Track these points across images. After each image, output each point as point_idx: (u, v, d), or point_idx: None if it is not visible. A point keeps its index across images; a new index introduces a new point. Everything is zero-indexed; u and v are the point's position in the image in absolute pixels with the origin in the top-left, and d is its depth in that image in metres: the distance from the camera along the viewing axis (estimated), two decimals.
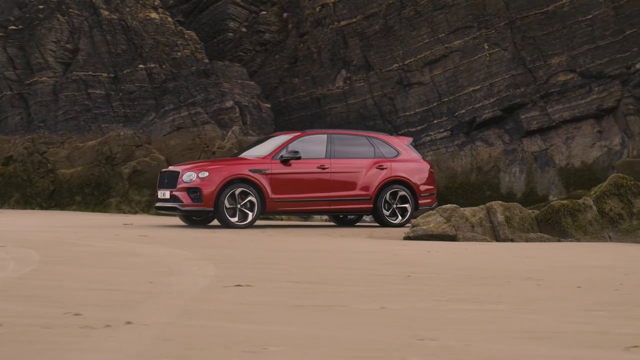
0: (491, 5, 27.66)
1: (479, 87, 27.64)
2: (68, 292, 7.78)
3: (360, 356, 5.21)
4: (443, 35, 28.29)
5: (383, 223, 19.44)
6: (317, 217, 23.05)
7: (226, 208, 17.94)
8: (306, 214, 20.09)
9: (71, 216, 23.98)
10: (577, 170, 26.25)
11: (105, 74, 28.81)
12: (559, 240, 15.54)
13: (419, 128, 28.26)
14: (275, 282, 8.88)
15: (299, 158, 18.75)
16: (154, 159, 27.38)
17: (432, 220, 15.54)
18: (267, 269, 10.24)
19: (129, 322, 6.23)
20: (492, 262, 11.52)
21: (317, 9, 30.51)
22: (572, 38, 26.62)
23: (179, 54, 28.91)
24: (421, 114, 28.42)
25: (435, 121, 28.15)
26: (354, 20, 29.73)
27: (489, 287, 8.79)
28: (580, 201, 16.11)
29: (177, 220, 21.23)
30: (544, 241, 15.41)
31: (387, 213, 19.40)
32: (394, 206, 19.47)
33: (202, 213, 18.73)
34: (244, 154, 19.85)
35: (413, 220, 16.07)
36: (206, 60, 29.15)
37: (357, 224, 21.32)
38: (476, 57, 27.77)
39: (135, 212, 26.90)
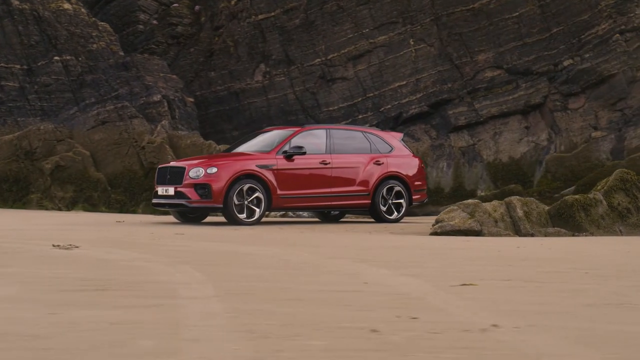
0: (416, 1, 27.92)
1: (405, 82, 27.85)
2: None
3: None
4: (367, 30, 28.36)
5: (380, 219, 19.29)
6: (290, 213, 22.68)
7: (234, 204, 17.38)
8: (310, 210, 19.73)
9: (29, 214, 22.85)
10: (505, 165, 26.80)
11: (18, 66, 27.52)
12: (574, 235, 15.74)
13: (343, 123, 28.23)
14: (491, 281, 8.70)
15: (304, 153, 18.39)
16: (77, 154, 26.33)
17: (456, 216, 15.50)
18: (442, 267, 10.01)
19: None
20: (618, 258, 11.54)
21: (233, 2, 30.07)
22: (498, 35, 27.16)
23: (95, 46, 27.92)
24: (345, 109, 28.41)
25: (360, 116, 28.19)
26: (273, 14, 29.44)
27: None
28: (591, 196, 16.39)
29: (170, 217, 20.59)
30: (562, 235, 15.59)
31: (384, 209, 19.30)
32: (390, 202, 19.38)
33: (210, 210, 18.06)
34: (240, 150, 19.30)
35: (438, 216, 16.00)
36: (122, 53, 28.27)
37: (341, 219, 21.16)
38: (402, 53, 27.96)
39: (59, 209, 25.81)
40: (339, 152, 18.94)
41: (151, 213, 24.27)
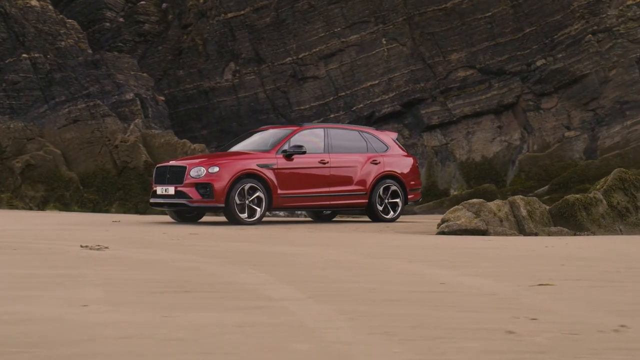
0: (388, 0, 27.92)
1: (377, 81, 27.84)
2: None
3: None
4: (339, 29, 28.31)
5: (376, 218, 19.21)
6: (281, 213, 22.50)
7: (236, 204, 17.18)
8: (309, 209, 19.58)
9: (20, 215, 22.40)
10: (478, 164, 26.92)
11: None
12: (575, 234, 15.81)
13: (315, 122, 28.14)
14: (565, 282, 8.66)
15: (304, 153, 18.25)
16: (48, 152, 25.91)
17: (462, 215, 15.47)
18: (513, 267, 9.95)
19: None
20: None
21: (201, 0, 29.82)
22: (471, 35, 27.28)
23: (63, 43, 27.49)
24: (317, 108, 28.33)
25: (332, 115, 28.13)
26: (242, 12, 29.26)
27: None
28: (591, 195, 16.47)
29: (164, 217, 20.27)
30: (564, 235, 15.64)
31: (381, 208, 19.24)
32: (386, 201, 19.32)
33: (212, 210, 17.84)
34: (235, 149, 19.09)
35: (443, 216, 15.96)
36: (90, 51, 27.88)
37: (334, 219, 21.05)
38: (374, 52, 27.96)
39: (30, 208, 25.38)
40: (336, 152, 18.84)
41: (135, 213, 23.97)
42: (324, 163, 18.52)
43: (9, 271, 8.50)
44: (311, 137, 18.62)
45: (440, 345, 5.15)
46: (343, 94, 28.12)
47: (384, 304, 6.70)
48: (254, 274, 8.56)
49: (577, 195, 16.50)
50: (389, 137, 20.12)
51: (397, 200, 19.38)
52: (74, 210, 25.14)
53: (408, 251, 11.44)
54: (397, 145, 20.07)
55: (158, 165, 18.24)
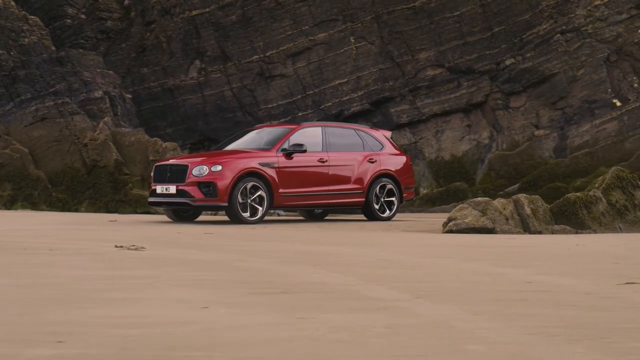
0: None
1: (345, 80, 27.79)
2: None
3: None
4: (307, 27, 28.20)
5: (373, 217, 19.12)
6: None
7: (239, 203, 16.97)
8: (309, 208, 19.42)
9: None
10: (447, 163, 27.02)
11: None
12: (577, 232, 15.90)
13: (282, 120, 28.00)
14: None
15: (305, 151, 18.10)
16: (15, 151, 25.39)
17: (469, 214, 15.47)
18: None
19: None
20: None
21: None
22: (440, 34, 27.36)
23: (26, 40, 26.97)
24: (284, 106, 28.20)
25: (300, 114, 28.02)
26: (207, 10, 28.99)
27: None
28: (591, 193, 16.57)
29: (162, 216, 19.91)
30: (567, 233, 15.73)
31: (377, 207, 19.17)
32: (382, 199, 19.26)
33: (215, 208, 17.58)
34: (231, 148, 18.86)
35: (450, 214, 15.93)
36: (54, 48, 27.41)
37: (328, 218, 20.93)
38: (342, 51, 27.90)
39: None
40: (334, 150, 18.74)
41: (106, 212, 23.61)
42: (323, 162, 18.42)
43: (81, 272, 8.27)
44: (309, 135, 18.49)
45: (613, 346, 5.10)
46: (311, 92, 28.01)
47: (511, 304, 6.60)
48: (328, 274, 8.43)
49: (578, 194, 16.61)
50: (383, 135, 20.09)
51: (393, 199, 19.33)
52: (42, 210, 24.69)
53: (446, 250, 11.39)
54: (391, 144, 20.04)
55: (157, 164, 17.95)
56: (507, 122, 26.86)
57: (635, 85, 26.19)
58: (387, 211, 19.28)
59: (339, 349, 4.85)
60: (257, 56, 28.43)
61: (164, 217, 19.65)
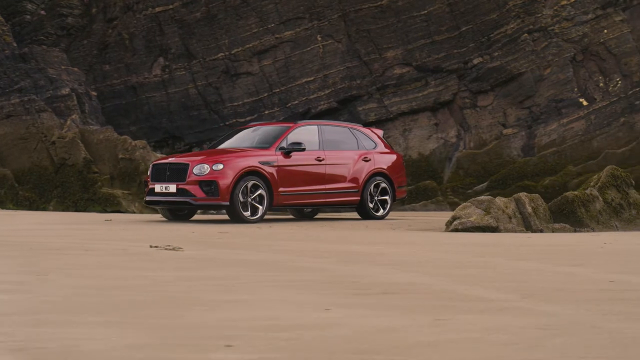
0: None
1: (312, 78, 27.70)
2: None
3: None
4: (273, 25, 28.04)
5: (367, 215, 19.03)
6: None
7: (240, 202, 16.77)
8: (307, 207, 19.25)
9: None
10: (415, 161, 27.07)
11: None
12: (575, 230, 16.00)
13: (248, 118, 27.82)
14: None
15: (304, 149, 17.95)
16: None
17: (473, 213, 15.46)
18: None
19: None
20: None
21: None
22: (407, 32, 27.41)
23: None
24: (250, 105, 28.01)
25: (266, 112, 27.85)
26: (171, 6, 28.68)
27: None
28: (588, 192, 16.70)
29: (156, 215, 19.52)
30: (566, 231, 15.82)
31: (372, 205, 19.08)
32: (376, 198, 19.19)
33: (216, 207, 17.30)
34: (226, 147, 18.61)
35: (454, 213, 15.90)
36: (15, 44, 26.89)
37: (315, 216, 20.79)
38: (309, 49, 27.80)
39: None
40: (329, 149, 18.63)
41: (75, 210, 23.21)
42: (320, 160, 18.30)
43: (151, 274, 8.08)
44: (306, 134, 18.35)
45: None
46: (277, 90, 27.86)
47: (628, 303, 6.57)
48: (409, 274, 8.35)
49: (576, 192, 16.73)
50: (376, 134, 20.06)
51: (386, 197, 19.28)
52: (9, 208, 24.22)
53: (479, 249, 11.37)
54: (383, 142, 20.02)
55: (155, 162, 17.67)
56: (475, 120, 27.00)
57: (601, 84, 26.53)
58: (381, 210, 19.23)
59: (513, 352, 4.77)
60: (222, 54, 28.19)
61: (157, 217, 19.37)
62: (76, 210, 23.99)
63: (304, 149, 17.86)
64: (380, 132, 20.42)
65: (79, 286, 7.04)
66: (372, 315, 5.92)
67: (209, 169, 16.62)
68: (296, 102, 27.70)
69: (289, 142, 17.85)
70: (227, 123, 28.00)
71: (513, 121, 26.71)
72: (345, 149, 18.91)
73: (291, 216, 20.73)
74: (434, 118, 27.37)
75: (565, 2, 26.73)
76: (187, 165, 16.78)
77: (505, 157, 26.45)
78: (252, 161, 17.07)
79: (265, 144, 17.93)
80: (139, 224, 16.54)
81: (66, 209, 24.22)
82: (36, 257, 9.35)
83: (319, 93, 27.60)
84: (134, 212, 23.76)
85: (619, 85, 26.39)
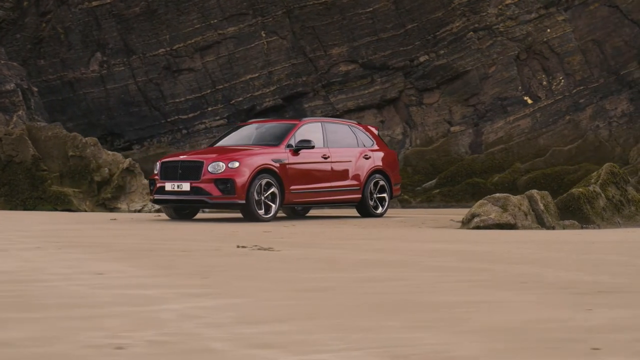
0: None
1: (257, 75, 27.42)
2: None
3: None
4: (216, 21, 27.63)
5: (367, 213, 18.78)
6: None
7: (255, 200, 16.33)
8: (315, 205, 18.88)
9: None
10: None
11: None
12: (582, 227, 16.15)
13: (191, 115, 27.39)
14: None
15: (313, 147, 17.62)
16: None
17: (491, 210, 15.39)
18: None
19: None
20: None
21: None
22: (352, 30, 27.38)
23: None
24: (193, 101, 27.55)
25: (209, 109, 27.44)
26: (108, 1, 27.96)
27: None
28: (591, 189, 16.88)
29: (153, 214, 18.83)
30: (575, 228, 15.97)
31: (372, 203, 18.88)
32: (375, 196, 19.00)
33: (233, 206, 16.68)
34: (226, 144, 18.12)
35: (471, 210, 15.80)
36: None
37: (308, 214, 20.44)
38: (253, 45, 27.50)
39: None
40: (333, 146, 18.38)
41: (23, 209, 22.39)
42: (326, 158, 18.05)
43: (294, 274, 7.80)
44: (311, 131, 18.06)
45: None
46: (221, 87, 27.47)
47: None
48: (563, 272, 8.27)
49: (580, 189, 16.86)
50: (372, 131, 19.94)
51: (384, 195, 19.15)
52: None
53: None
54: (379, 140, 19.91)
55: (164, 160, 17.05)
56: (421, 118, 27.16)
57: (545, 83, 26.99)
58: (380, 207, 19.09)
59: None
60: (163, 49, 27.64)
61: (152, 216, 18.82)
62: (25, 209, 23.13)
63: (313, 147, 17.60)
64: (375, 130, 20.32)
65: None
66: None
67: (224, 167, 16.16)
68: (240, 98, 27.36)
69: (297, 139, 17.55)
70: (168, 120, 27.48)
71: (459, 119, 26.96)
72: (347, 146, 18.73)
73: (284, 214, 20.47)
74: (380, 115, 27.42)
75: (509, 2, 27.11)
76: (202, 163, 16.28)
77: (453, 155, 26.67)
78: (265, 159, 16.70)
79: (273, 142, 17.57)
80: (154, 223, 15.97)
81: (14, 207, 23.32)
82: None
83: (263, 90, 27.32)
84: (85, 211, 23.05)
85: (562, 83, 26.90)
